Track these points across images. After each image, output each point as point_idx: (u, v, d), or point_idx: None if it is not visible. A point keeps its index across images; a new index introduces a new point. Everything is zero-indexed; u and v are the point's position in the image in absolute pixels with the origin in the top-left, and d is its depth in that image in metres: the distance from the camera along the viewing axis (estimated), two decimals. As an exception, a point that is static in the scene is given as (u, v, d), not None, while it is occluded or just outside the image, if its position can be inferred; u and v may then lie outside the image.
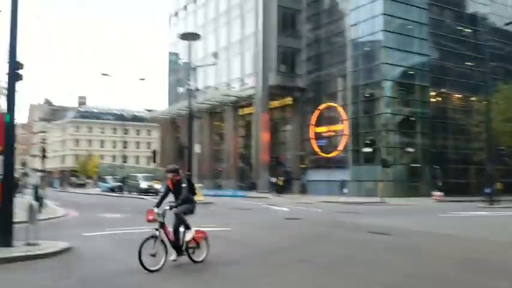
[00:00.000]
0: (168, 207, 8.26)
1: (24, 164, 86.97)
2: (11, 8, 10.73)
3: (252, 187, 45.02)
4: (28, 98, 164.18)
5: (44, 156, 43.31)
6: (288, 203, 29.93)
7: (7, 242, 9.96)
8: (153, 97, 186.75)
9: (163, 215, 8.19)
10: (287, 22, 48.26)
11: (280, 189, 39.81)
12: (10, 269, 8.52)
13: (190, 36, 30.47)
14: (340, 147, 43.04)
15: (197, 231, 8.73)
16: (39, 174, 41.28)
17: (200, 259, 8.69)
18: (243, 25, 49.60)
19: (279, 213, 21.63)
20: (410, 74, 42.09)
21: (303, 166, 46.61)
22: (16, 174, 22.35)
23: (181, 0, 62.38)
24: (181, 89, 59.27)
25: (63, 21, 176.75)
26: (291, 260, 9.32)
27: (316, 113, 45.38)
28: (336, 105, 43.93)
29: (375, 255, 10.07)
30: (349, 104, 42.34)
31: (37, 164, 52.44)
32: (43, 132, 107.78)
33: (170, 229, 8.49)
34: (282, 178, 41.84)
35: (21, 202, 14.03)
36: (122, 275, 8.07)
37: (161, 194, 9.18)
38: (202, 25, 56.19)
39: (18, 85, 11.35)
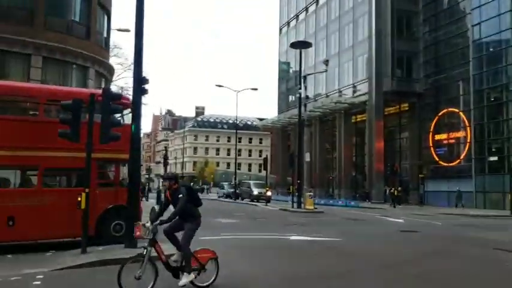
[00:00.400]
0: (158, 222, 6.95)
1: (148, 170, 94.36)
2: (136, 26, 11.69)
3: (366, 197, 43.72)
4: (152, 108, 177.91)
5: (166, 163, 46.49)
6: (403, 214, 28.54)
7: (132, 243, 10.82)
8: (265, 106, 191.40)
9: (153, 231, 6.91)
10: (402, 25, 46.36)
11: (396, 200, 38.14)
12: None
13: (301, 45, 30.71)
14: (462, 155, 40.03)
15: (203, 250, 7.55)
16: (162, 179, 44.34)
17: (204, 284, 7.35)
18: (355, 30, 48.69)
19: (393, 225, 20.68)
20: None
21: (421, 176, 44.14)
22: (141, 180, 24.15)
23: (292, 10, 63.20)
24: (291, 98, 59.87)
25: (176, 35, 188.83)
26: (406, 275, 8.82)
27: (436, 119, 42.78)
28: (457, 110, 41.01)
29: (501, 275, 9.13)
30: (472, 109, 39.26)
31: (160, 170, 56.46)
32: (165, 140, 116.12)
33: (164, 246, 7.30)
34: (398, 188, 40.07)
35: (146, 206, 15.16)
36: (236, 280, 8.26)
37: (158, 206, 8.16)
38: (313, 33, 56.33)
39: (144, 98, 12.41)
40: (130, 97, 12.55)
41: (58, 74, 22.68)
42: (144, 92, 11.68)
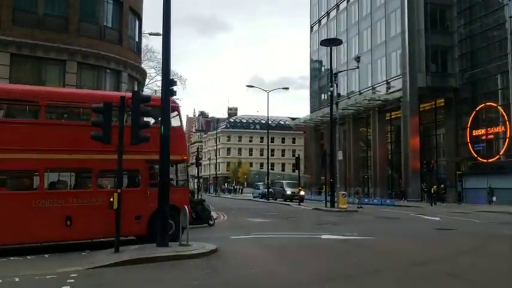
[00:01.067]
0: None
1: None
2: (163, 29, 11.88)
3: (402, 195, 42.86)
4: (185, 110, 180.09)
5: (198, 164, 46.97)
6: (441, 212, 27.83)
7: (164, 243, 11.01)
8: (297, 105, 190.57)
9: None
10: (436, 19, 45.23)
11: (433, 198, 37.20)
12: (163, 266, 9.41)
13: (331, 42, 30.40)
14: (502, 151, 38.67)
15: None
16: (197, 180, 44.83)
17: None
18: (388, 26, 47.85)
19: (429, 223, 20.18)
20: None
21: (459, 173, 42.93)
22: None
23: (323, 7, 62.70)
24: (324, 96, 59.38)
25: (206, 37, 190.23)
26: (437, 272, 8.60)
27: (473, 114, 41.48)
28: (495, 105, 39.66)
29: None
30: (511, 103, 37.88)
31: (194, 171, 57.15)
32: (199, 142, 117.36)
33: None
34: (434, 186, 39.08)
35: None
36: (264, 278, 8.29)
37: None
38: (344, 30, 55.71)
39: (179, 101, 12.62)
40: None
41: (92, 79, 23.30)
42: (172, 93, 11.87)
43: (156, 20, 13.26)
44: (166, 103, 11.81)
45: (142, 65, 32.28)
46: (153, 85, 43.69)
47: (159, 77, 54.48)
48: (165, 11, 11.79)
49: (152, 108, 11.93)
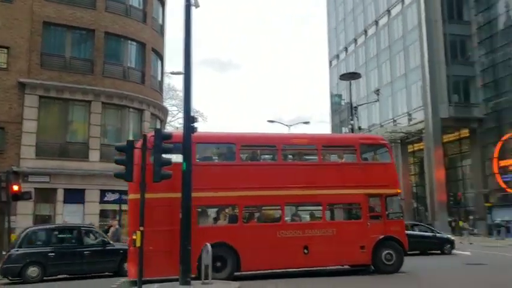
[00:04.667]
0: None
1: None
2: (184, 66, 12.12)
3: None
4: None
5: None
6: (471, 246, 26.91)
7: (185, 281, 10.84)
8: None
9: None
10: (456, 49, 45.11)
11: (468, 231, 35.95)
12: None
13: (350, 76, 30.58)
14: (532, 181, 37.57)
15: None
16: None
17: None
18: (407, 58, 47.90)
19: (459, 258, 19.51)
20: None
21: (488, 205, 41.73)
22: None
23: (341, 42, 63.37)
24: (345, 129, 59.16)
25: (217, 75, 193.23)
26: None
27: (499, 144, 40.63)
28: (522, 134, 38.84)
29: None
30: (539, 132, 37.08)
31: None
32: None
33: None
34: (468, 218, 37.89)
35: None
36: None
37: None
38: (363, 64, 55.99)
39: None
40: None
41: (116, 118, 23.82)
42: (194, 129, 11.97)
43: (178, 59, 13.53)
44: (188, 139, 11.90)
45: (164, 103, 32.94)
46: (175, 122, 44.38)
47: (181, 115, 55.42)
48: (186, 49, 12.06)
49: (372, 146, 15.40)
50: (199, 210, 12.92)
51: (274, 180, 13.39)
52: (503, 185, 40.10)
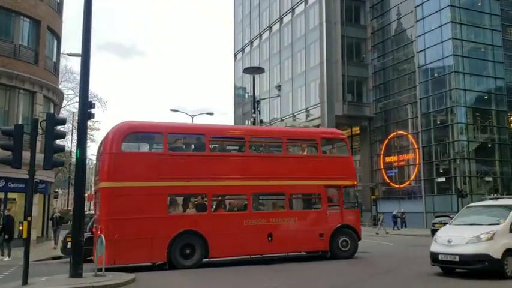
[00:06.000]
0: None
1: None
2: (82, 48, 11.50)
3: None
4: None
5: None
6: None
7: (77, 273, 10.41)
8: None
9: None
10: (352, 51, 48.01)
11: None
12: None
13: (254, 70, 31.13)
14: (412, 177, 41.37)
15: None
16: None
17: None
18: (307, 57, 49.90)
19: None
20: (486, 98, 40.03)
21: (374, 197, 45.18)
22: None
23: (247, 36, 64.20)
24: (247, 122, 60.21)
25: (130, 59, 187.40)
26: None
27: (386, 142, 44.16)
28: (406, 133, 42.55)
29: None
30: (420, 132, 40.85)
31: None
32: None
33: None
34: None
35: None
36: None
37: None
38: (267, 59, 57.29)
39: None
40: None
41: (3, 99, 21.95)
42: (90, 116, 11.43)
43: (77, 42, 12.80)
44: (82, 125, 11.38)
45: (60, 86, 31.00)
46: (70, 107, 41.96)
47: (78, 99, 52.46)
48: (85, 28, 11.44)
49: (331, 140, 16.11)
50: (170, 198, 13.17)
51: (242, 171, 13.99)
52: (388, 180, 43.67)
